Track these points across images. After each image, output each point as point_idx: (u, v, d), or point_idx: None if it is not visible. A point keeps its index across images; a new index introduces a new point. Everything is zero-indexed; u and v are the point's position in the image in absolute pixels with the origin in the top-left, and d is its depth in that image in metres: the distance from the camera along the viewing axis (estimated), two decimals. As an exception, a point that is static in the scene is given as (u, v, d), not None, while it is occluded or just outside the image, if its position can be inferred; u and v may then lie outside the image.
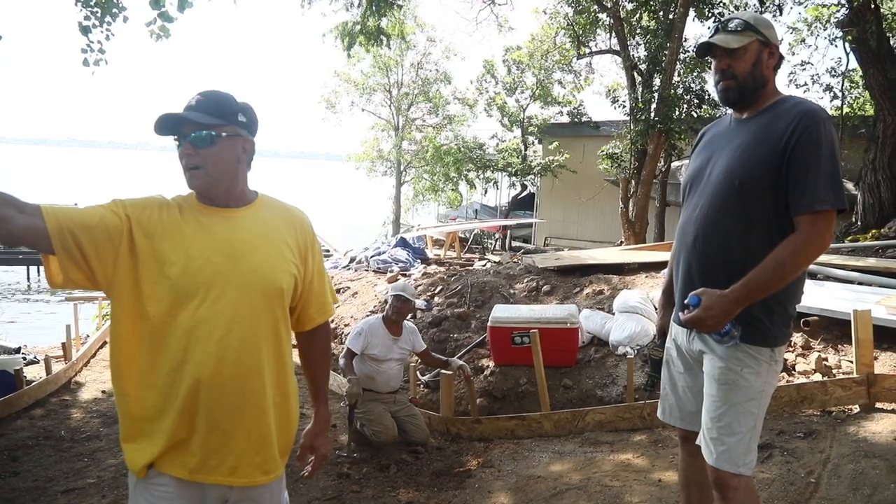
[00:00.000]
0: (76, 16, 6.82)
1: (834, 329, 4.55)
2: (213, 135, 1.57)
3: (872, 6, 8.56)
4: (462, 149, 19.75)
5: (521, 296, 6.72)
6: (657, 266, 6.84)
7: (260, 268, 1.61)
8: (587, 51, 13.62)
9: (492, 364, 5.44)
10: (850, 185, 9.75)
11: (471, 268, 9.40)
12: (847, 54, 10.58)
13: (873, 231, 8.00)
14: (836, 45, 11.07)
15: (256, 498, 1.66)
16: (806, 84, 11.55)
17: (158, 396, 1.55)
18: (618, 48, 11.82)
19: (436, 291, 7.36)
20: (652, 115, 10.38)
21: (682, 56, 10.63)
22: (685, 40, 10.58)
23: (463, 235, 15.33)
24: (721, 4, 10.42)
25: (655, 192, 11.73)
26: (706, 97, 11.11)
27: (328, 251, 14.00)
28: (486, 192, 21.78)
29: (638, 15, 11.59)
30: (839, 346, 4.43)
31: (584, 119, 16.54)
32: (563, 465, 3.73)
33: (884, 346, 4.14)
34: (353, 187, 46.43)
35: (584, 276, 6.86)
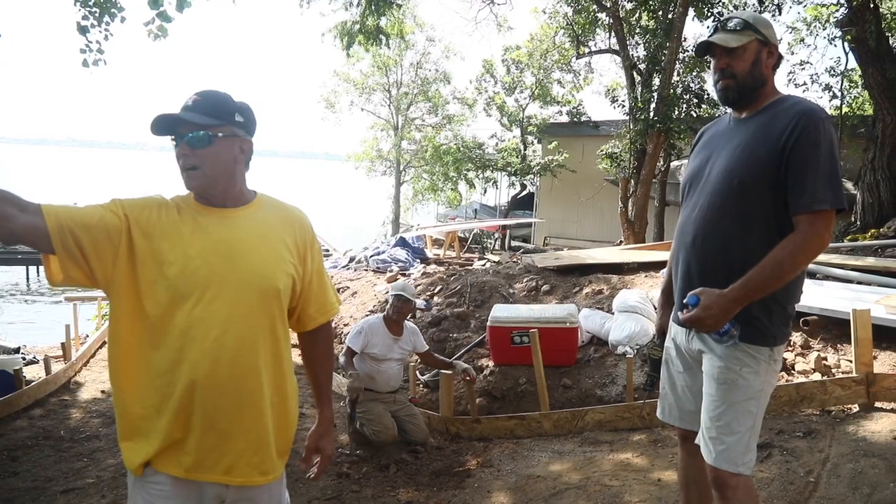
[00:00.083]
0: (75, 16, 6.83)
1: (833, 328, 4.55)
2: (209, 135, 1.57)
3: (871, 6, 8.56)
4: (461, 148, 19.77)
5: (521, 295, 6.73)
6: (656, 266, 6.85)
7: (257, 268, 1.61)
8: (586, 50, 13.62)
9: (491, 364, 5.44)
10: (849, 185, 9.76)
11: (470, 267, 9.40)
12: (846, 54, 10.59)
13: (872, 230, 8.01)
14: (835, 45, 11.10)
15: (254, 498, 1.66)
16: (805, 83, 11.56)
17: (155, 396, 1.56)
18: (617, 48, 11.82)
19: (435, 291, 7.36)
20: (651, 114, 10.39)
21: (681, 55, 10.63)
22: (684, 40, 10.58)
23: (462, 235, 15.33)
24: (720, 4, 10.42)
25: (655, 192, 11.74)
26: (705, 97, 11.12)
27: (328, 251, 14.01)
28: (485, 191, 21.79)
29: (637, 14, 11.59)
30: (838, 345, 4.44)
31: (583, 119, 16.55)
32: (562, 465, 3.73)
33: (883, 345, 4.14)
34: (353, 187, 46.44)
35: (584, 276, 6.87)
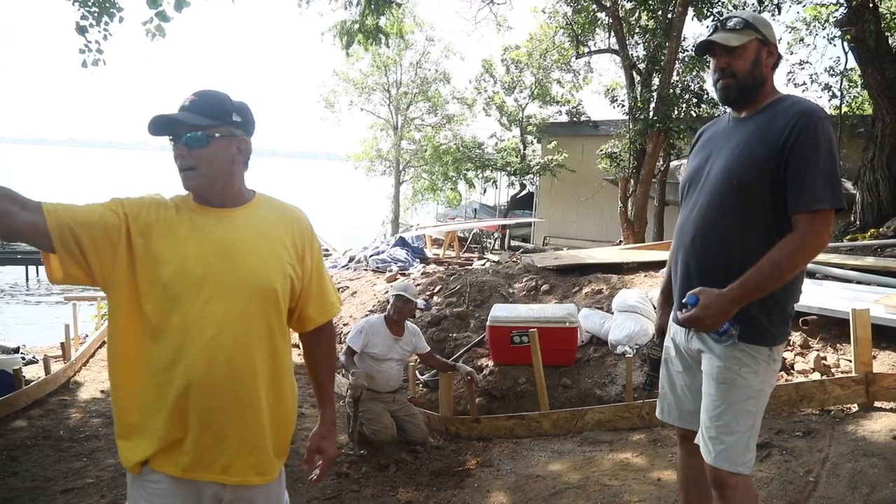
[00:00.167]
0: (74, 15, 6.82)
1: (833, 328, 4.55)
2: (206, 136, 1.57)
3: (871, 5, 8.56)
4: (461, 148, 19.76)
5: (520, 295, 6.73)
6: (656, 265, 6.85)
7: (253, 268, 1.61)
8: (586, 50, 13.61)
9: (491, 363, 5.44)
10: (848, 185, 9.76)
11: (470, 267, 9.40)
12: (846, 53, 10.60)
13: (872, 230, 8.01)
14: (834, 45, 11.10)
15: (251, 498, 1.66)
16: (805, 83, 11.58)
17: (153, 394, 1.56)
18: (616, 47, 11.83)
19: (435, 291, 7.36)
20: (651, 114, 10.39)
21: (680, 55, 10.64)
22: (684, 39, 10.59)
23: (462, 235, 15.32)
24: (720, 3, 10.42)
25: (654, 192, 11.74)
26: (705, 96, 11.12)
27: (327, 251, 14.00)
28: (484, 191, 21.79)
29: (637, 14, 11.59)
30: (838, 345, 4.44)
31: (582, 118, 16.54)
32: (561, 465, 3.73)
33: (882, 345, 4.14)
34: (352, 187, 46.43)
35: (583, 276, 6.87)
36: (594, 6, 11.84)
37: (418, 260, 10.98)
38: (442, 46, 22.74)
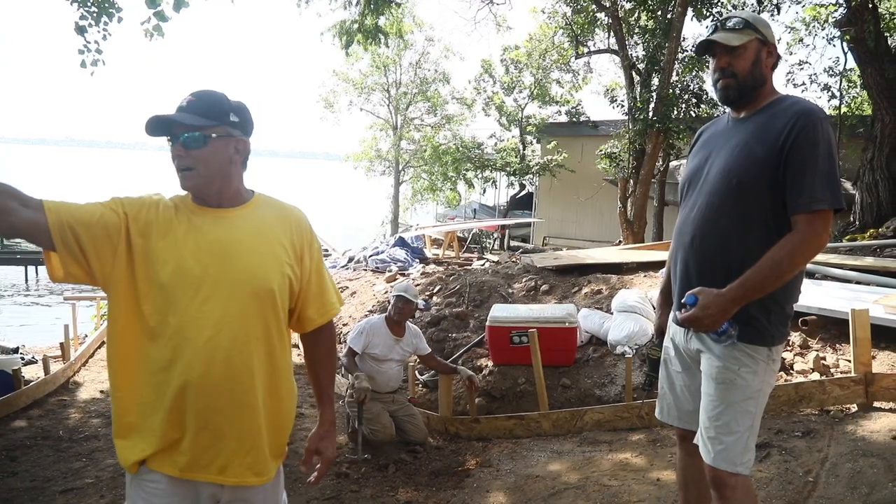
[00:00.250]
0: (73, 16, 6.81)
1: (832, 328, 4.55)
2: (203, 136, 1.56)
3: (870, 6, 8.56)
4: (460, 148, 19.76)
5: (520, 295, 6.73)
6: (655, 265, 6.85)
7: (251, 268, 1.60)
8: (585, 50, 13.62)
9: (490, 364, 5.44)
10: (848, 185, 9.76)
11: (469, 267, 9.40)
12: (845, 54, 10.60)
13: (871, 230, 8.01)
14: (833, 45, 11.12)
15: (249, 499, 1.66)
16: (804, 83, 11.59)
17: (150, 395, 1.56)
18: (616, 48, 11.83)
19: (434, 291, 7.36)
20: (650, 114, 10.40)
21: (680, 55, 10.64)
22: (683, 40, 10.59)
23: (461, 235, 15.33)
24: (719, 4, 10.42)
25: (654, 192, 11.74)
26: (704, 96, 11.12)
27: (327, 251, 14.00)
28: (484, 191, 21.79)
29: (636, 14, 11.59)
30: (837, 345, 4.44)
31: (582, 118, 16.54)
32: (561, 465, 3.73)
33: (882, 345, 4.14)
34: (352, 187, 46.42)
35: (583, 276, 6.87)
36: (594, 6, 11.85)
37: (418, 260, 10.98)
38: (441, 46, 22.79)
